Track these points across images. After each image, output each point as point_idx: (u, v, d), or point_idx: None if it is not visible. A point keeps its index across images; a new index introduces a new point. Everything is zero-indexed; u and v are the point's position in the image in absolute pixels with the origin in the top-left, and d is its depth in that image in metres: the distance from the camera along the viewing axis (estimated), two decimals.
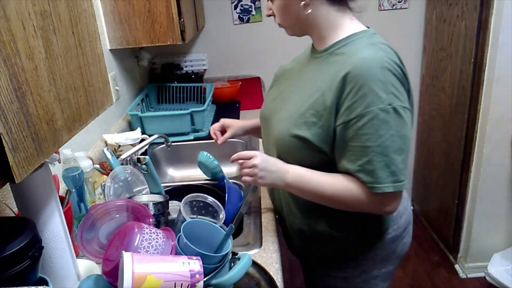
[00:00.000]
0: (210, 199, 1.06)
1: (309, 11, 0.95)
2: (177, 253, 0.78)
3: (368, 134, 0.87)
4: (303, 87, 1.01)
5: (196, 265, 0.70)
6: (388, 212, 0.98)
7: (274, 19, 1.03)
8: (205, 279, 0.77)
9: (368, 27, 1.00)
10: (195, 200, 1.07)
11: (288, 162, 1.00)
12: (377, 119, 0.85)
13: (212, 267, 0.78)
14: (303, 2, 0.95)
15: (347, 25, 0.98)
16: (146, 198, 1.04)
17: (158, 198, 1.03)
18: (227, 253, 0.81)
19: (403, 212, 1.12)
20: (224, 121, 1.35)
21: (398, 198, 0.94)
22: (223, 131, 1.36)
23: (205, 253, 0.78)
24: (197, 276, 0.69)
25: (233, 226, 0.83)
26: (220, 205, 1.07)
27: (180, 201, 1.04)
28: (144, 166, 1.21)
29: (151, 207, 0.89)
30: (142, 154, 1.68)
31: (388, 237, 1.09)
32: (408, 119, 0.90)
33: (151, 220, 0.90)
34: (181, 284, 0.68)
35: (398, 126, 0.87)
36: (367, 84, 0.85)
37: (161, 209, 0.91)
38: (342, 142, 0.91)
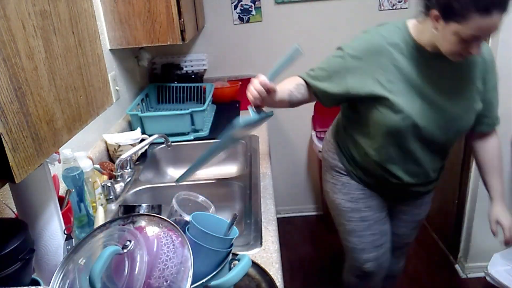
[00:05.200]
0: (200, 198, 1.07)
1: None
2: (190, 242, 0.78)
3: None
4: (462, 87, 1.24)
5: None
6: None
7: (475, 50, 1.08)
8: (204, 280, 0.77)
9: None
10: (186, 198, 1.07)
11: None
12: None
13: (225, 252, 0.81)
14: None
15: None
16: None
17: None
18: (234, 238, 0.84)
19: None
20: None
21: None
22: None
23: (218, 235, 0.80)
24: None
25: (237, 214, 0.85)
26: (210, 203, 1.07)
27: None
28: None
29: (143, 209, 0.89)
30: (142, 154, 1.68)
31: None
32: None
33: None
34: None
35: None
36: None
37: (157, 213, 0.91)
38: None
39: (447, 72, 1.20)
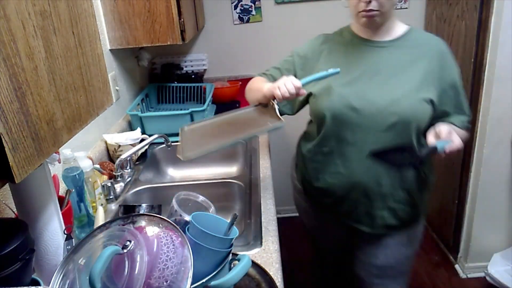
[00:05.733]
0: (200, 198, 1.07)
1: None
2: (190, 242, 0.78)
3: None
4: (397, 70, 1.18)
5: None
6: None
7: (369, 4, 1.13)
8: (204, 280, 0.77)
9: None
10: (186, 198, 1.07)
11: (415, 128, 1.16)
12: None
13: (225, 252, 0.81)
14: None
15: (398, 20, 1.27)
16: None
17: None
18: (234, 238, 0.84)
19: None
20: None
21: None
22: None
23: (218, 235, 0.80)
24: None
25: (237, 214, 0.85)
26: (210, 203, 1.07)
27: None
28: None
29: (143, 208, 0.89)
30: (142, 154, 1.68)
31: None
32: None
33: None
34: None
35: None
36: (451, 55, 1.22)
37: (157, 213, 0.91)
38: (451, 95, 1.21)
39: (385, 56, 1.21)
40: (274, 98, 1.16)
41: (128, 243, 0.72)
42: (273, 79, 1.32)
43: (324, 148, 1.25)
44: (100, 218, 1.12)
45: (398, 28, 1.25)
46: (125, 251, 0.71)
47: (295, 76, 1.23)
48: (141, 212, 0.86)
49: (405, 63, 1.19)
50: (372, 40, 1.23)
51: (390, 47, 1.21)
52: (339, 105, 1.17)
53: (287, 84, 1.13)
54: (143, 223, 0.80)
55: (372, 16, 1.14)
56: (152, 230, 0.78)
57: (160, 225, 0.79)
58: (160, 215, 0.89)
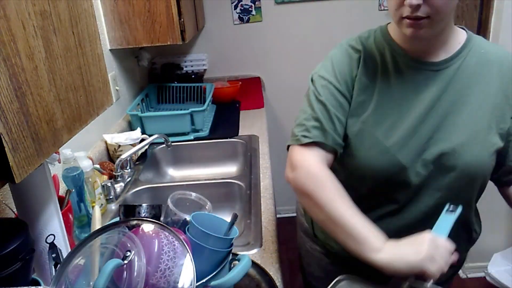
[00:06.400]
0: (194, 195, 1.07)
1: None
2: (190, 242, 0.79)
3: None
4: (464, 104, 0.86)
5: None
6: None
7: (416, 9, 0.77)
8: (204, 280, 0.77)
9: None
10: (182, 198, 1.07)
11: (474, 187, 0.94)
12: None
13: (225, 252, 0.81)
14: None
15: (455, 26, 0.90)
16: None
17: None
18: (234, 238, 0.84)
19: None
20: None
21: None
22: None
23: (218, 236, 0.80)
24: None
25: (237, 214, 0.85)
26: (206, 200, 1.07)
27: None
28: None
29: (144, 209, 0.89)
30: (142, 154, 1.68)
31: None
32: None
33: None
34: None
35: None
36: None
37: (158, 213, 0.91)
38: None
39: (440, 83, 0.87)
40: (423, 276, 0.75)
41: (128, 253, 0.71)
42: (331, 137, 0.90)
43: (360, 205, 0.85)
44: (96, 218, 1.12)
45: (455, 39, 0.89)
46: (125, 262, 0.71)
47: (344, 111, 0.92)
48: (142, 212, 0.86)
49: (464, 91, 0.86)
50: (423, 61, 0.88)
51: (444, 69, 0.87)
52: (383, 163, 0.88)
53: (445, 256, 0.76)
54: (142, 225, 0.80)
55: (420, 26, 0.79)
56: (152, 232, 0.78)
57: (160, 227, 0.79)
58: (160, 215, 0.89)
